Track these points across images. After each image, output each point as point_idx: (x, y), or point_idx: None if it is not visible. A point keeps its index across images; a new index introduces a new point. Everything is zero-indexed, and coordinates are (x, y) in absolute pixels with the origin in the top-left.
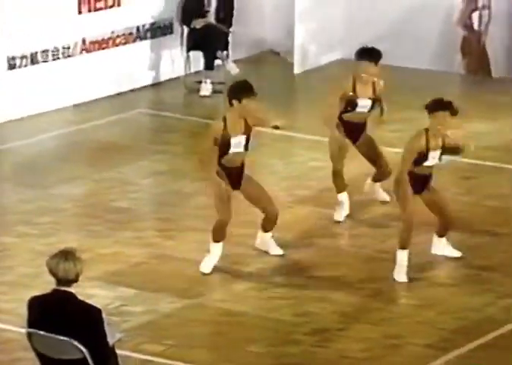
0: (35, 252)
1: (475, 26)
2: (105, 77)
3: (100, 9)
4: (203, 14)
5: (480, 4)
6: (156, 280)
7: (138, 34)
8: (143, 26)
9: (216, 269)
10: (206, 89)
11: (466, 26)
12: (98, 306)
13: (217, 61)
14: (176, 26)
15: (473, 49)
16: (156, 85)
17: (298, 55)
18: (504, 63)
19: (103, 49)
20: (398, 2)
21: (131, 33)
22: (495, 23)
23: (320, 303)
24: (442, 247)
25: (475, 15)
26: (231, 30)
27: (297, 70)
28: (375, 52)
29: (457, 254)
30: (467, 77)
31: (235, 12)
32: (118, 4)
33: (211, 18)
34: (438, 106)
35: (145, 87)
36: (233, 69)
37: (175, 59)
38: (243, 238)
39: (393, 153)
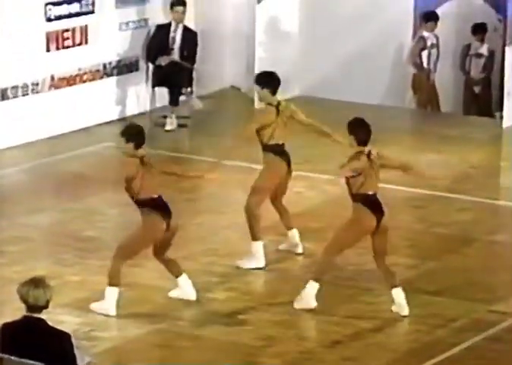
0: (5, 280)
1: (425, 64)
2: (72, 112)
3: (68, 47)
4: (167, 51)
5: (429, 43)
6: (123, 307)
7: (105, 71)
8: (110, 63)
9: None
10: (171, 123)
11: (415, 64)
12: (67, 331)
13: (182, 97)
14: (142, 64)
15: (423, 86)
16: (122, 120)
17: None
18: (452, 98)
19: (71, 85)
20: (351, 40)
21: (98, 70)
22: (443, 60)
23: (280, 328)
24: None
25: (425, 54)
26: (195, 66)
27: (257, 105)
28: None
29: (404, 312)
30: (418, 112)
31: (198, 50)
32: (86, 42)
33: (175, 56)
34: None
35: (111, 121)
36: (197, 104)
37: (141, 95)
38: (207, 266)
39: None
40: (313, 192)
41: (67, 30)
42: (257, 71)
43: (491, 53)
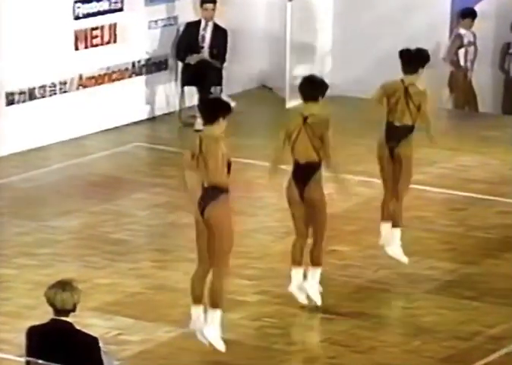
0: (34, 283)
1: (462, 62)
2: (101, 111)
3: (96, 45)
4: (197, 50)
5: (466, 41)
6: (153, 310)
7: (134, 70)
8: (139, 62)
9: None
10: (200, 123)
11: (452, 62)
12: (95, 334)
13: (211, 96)
14: (171, 62)
15: (460, 85)
16: (151, 119)
17: (289, 90)
18: (491, 99)
19: (99, 84)
20: (387, 39)
21: (126, 69)
22: (481, 59)
23: (311, 332)
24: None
25: (462, 52)
26: (224, 65)
27: (289, 105)
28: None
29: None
30: (455, 112)
31: (228, 48)
32: (114, 41)
33: (205, 54)
34: None
35: (140, 121)
36: (229, 103)
37: (170, 94)
38: (237, 268)
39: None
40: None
41: (95, 28)
42: (288, 70)
43: None
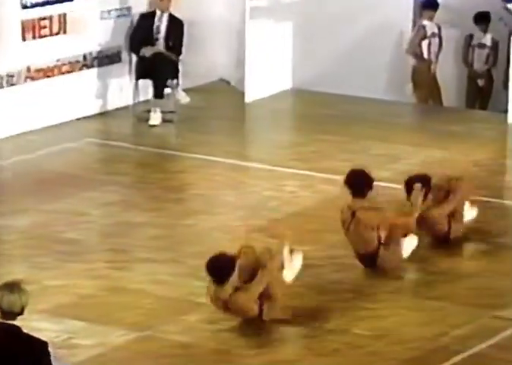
0: None
1: (425, 54)
2: (50, 105)
3: (45, 36)
4: (152, 42)
5: (429, 33)
6: (107, 313)
7: (85, 62)
8: (90, 54)
9: (167, 301)
10: (155, 118)
11: (415, 54)
12: (44, 339)
13: (167, 90)
14: (124, 55)
15: (424, 78)
16: (103, 114)
17: (249, 85)
18: (455, 92)
19: (48, 77)
20: (348, 31)
21: (77, 61)
22: (444, 52)
23: (273, 335)
24: None
25: (425, 43)
26: (180, 58)
27: (248, 99)
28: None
29: None
30: (418, 106)
31: (184, 40)
32: (64, 32)
33: (160, 46)
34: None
35: (92, 116)
36: (183, 98)
37: (124, 88)
38: (194, 269)
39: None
40: (309, 192)
41: (44, 19)
42: (247, 63)
43: (496, 44)
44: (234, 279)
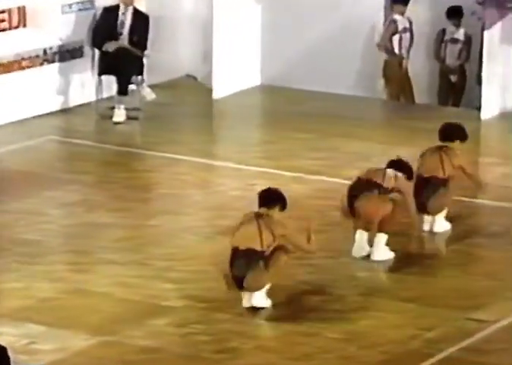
0: None
1: (396, 49)
2: (10, 102)
3: (4, 30)
4: (115, 36)
5: (400, 28)
6: (68, 317)
7: (45, 57)
8: (51, 48)
9: (132, 304)
10: (119, 115)
11: (387, 49)
12: (3, 343)
13: (131, 87)
14: (87, 50)
15: (395, 73)
16: (65, 111)
17: (216, 81)
18: (427, 88)
19: (8, 72)
20: (318, 25)
21: (37, 56)
22: (416, 47)
23: (243, 339)
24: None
25: (396, 38)
26: (146, 53)
27: (216, 95)
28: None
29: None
30: (390, 103)
31: (149, 35)
32: (24, 25)
33: (124, 41)
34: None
35: (54, 112)
36: (149, 94)
37: (86, 84)
38: (160, 271)
39: (319, 181)
40: None
41: (2, 12)
42: (215, 58)
43: (468, 39)
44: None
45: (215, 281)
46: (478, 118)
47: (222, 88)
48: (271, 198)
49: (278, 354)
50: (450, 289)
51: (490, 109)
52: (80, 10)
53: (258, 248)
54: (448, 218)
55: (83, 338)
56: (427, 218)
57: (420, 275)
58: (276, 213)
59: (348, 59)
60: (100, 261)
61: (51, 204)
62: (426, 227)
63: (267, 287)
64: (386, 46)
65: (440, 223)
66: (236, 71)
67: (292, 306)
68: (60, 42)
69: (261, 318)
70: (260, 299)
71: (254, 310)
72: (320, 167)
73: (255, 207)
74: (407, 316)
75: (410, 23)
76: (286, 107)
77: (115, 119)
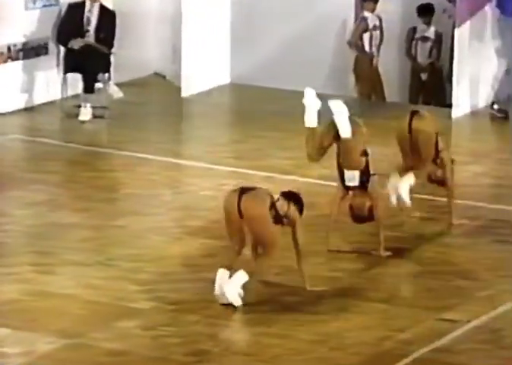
0: None
1: (367, 47)
2: None
3: None
4: (81, 33)
5: (371, 25)
6: (33, 319)
7: (9, 54)
8: (15, 45)
9: (99, 306)
10: (85, 114)
11: (357, 47)
12: None
13: (98, 85)
14: (52, 47)
15: (366, 71)
16: (29, 109)
17: (185, 79)
18: (398, 87)
19: None
20: (288, 23)
21: (1, 53)
22: (387, 45)
23: (213, 341)
24: None
25: (367, 36)
26: (112, 51)
27: (184, 94)
28: None
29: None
30: (360, 101)
31: (116, 32)
32: None
33: (91, 38)
34: None
35: (18, 111)
36: (116, 93)
37: (51, 82)
38: (128, 273)
39: (290, 181)
40: None
41: None
42: (183, 56)
43: (439, 37)
44: None
45: (185, 282)
46: (449, 116)
47: (191, 86)
48: (290, 197)
49: (249, 357)
50: (421, 289)
51: (461, 107)
52: (44, 6)
53: None
54: (419, 216)
55: (48, 340)
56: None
57: (392, 276)
58: None
59: (318, 57)
60: (65, 262)
61: (15, 205)
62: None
63: (244, 281)
64: (356, 44)
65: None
66: (205, 69)
67: (263, 308)
68: (24, 39)
69: (233, 320)
70: (234, 290)
71: (226, 311)
72: (291, 167)
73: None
74: (379, 317)
75: (380, 20)
76: (256, 106)
77: (81, 117)
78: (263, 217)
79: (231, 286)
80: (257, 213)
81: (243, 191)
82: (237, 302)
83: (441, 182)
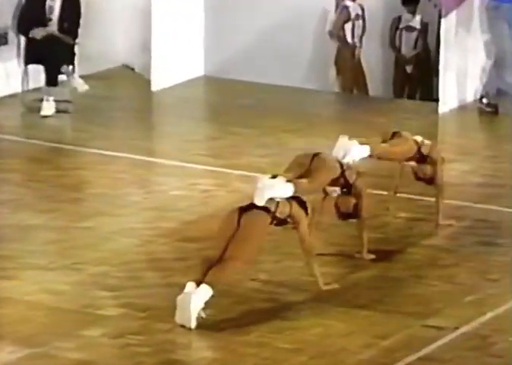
0: None
1: (349, 38)
2: None
3: None
4: (44, 22)
5: (353, 15)
6: None
7: None
8: None
9: (63, 313)
10: (48, 108)
11: (339, 37)
12: None
13: (61, 77)
14: (12, 36)
15: (348, 64)
16: None
17: (155, 71)
18: (381, 80)
19: None
20: (265, 13)
21: None
22: (369, 36)
23: (185, 350)
24: None
25: (348, 26)
26: (77, 41)
27: (155, 87)
28: None
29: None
30: (342, 96)
31: (81, 21)
32: None
33: (54, 28)
34: None
35: None
36: (80, 86)
37: (11, 74)
38: (95, 277)
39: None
40: (224, 191)
41: None
42: (154, 47)
43: (425, 26)
44: None
45: (155, 288)
46: (436, 111)
47: (161, 79)
48: (293, 198)
49: None
50: (405, 294)
51: (448, 101)
52: None
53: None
54: (405, 217)
55: (10, 350)
56: None
57: (374, 280)
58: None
59: (297, 49)
60: (28, 267)
61: None
62: None
63: (209, 295)
64: (338, 35)
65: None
66: (177, 62)
67: (238, 315)
68: None
69: (206, 328)
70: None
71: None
72: (267, 165)
73: (199, 209)
74: (360, 324)
75: (363, 9)
76: (231, 100)
77: (44, 112)
78: (260, 227)
79: (193, 305)
80: (256, 222)
81: (244, 208)
82: (192, 324)
83: (429, 181)
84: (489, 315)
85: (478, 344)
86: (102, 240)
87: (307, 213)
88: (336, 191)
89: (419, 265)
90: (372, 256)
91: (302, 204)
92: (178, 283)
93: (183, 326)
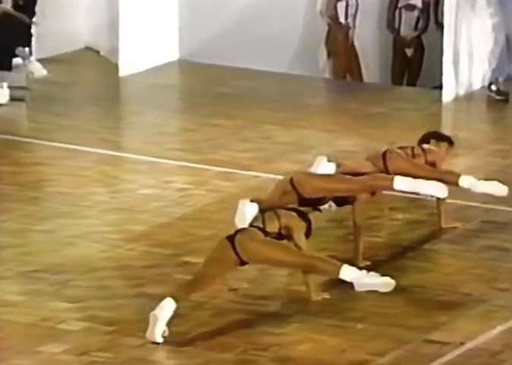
0: None
1: (342, 18)
2: None
3: None
4: None
5: None
6: None
7: None
8: None
9: (20, 327)
10: (1, 95)
11: (331, 17)
12: None
13: (16, 60)
14: None
15: (340, 47)
16: None
17: (123, 55)
18: (378, 65)
19: None
20: None
21: None
22: (365, 17)
23: None
24: None
25: (341, 5)
26: (34, 20)
27: (123, 73)
28: None
29: None
30: (334, 83)
31: None
32: None
33: (8, 5)
34: None
35: None
36: (38, 70)
37: None
38: (54, 287)
39: (248, 178)
40: (202, 189)
41: None
42: (121, 28)
43: (426, 5)
44: None
45: (123, 299)
46: (439, 100)
47: (130, 64)
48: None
49: None
50: (405, 305)
51: (452, 88)
52: None
53: None
54: (403, 219)
55: None
56: None
57: (367, 291)
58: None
59: (284, 30)
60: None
61: None
62: None
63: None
64: (329, 14)
65: None
66: (148, 44)
67: (217, 328)
68: None
69: (181, 344)
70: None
71: (173, 333)
72: (249, 161)
73: (173, 210)
74: (354, 339)
75: None
76: (208, 88)
77: None
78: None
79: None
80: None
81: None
82: (158, 338)
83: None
84: (498, 328)
85: (487, 362)
86: (64, 245)
87: (308, 223)
88: (332, 206)
89: (420, 273)
90: (367, 263)
91: (301, 215)
92: (148, 293)
93: (154, 341)
